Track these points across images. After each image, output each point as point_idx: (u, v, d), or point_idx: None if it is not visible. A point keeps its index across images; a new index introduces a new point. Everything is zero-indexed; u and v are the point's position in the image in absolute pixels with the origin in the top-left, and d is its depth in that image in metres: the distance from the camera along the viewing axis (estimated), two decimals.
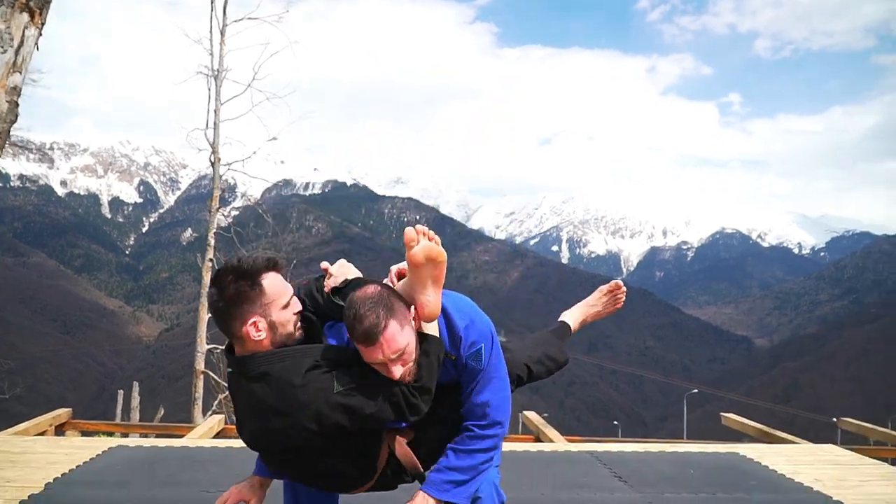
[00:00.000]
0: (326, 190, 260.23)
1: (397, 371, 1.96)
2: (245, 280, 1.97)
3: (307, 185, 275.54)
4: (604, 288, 2.79)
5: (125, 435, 7.33)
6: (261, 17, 13.93)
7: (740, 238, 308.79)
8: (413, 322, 2.02)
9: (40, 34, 8.86)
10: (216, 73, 13.93)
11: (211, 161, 14.75)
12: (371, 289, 1.98)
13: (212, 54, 13.69)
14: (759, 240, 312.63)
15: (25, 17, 8.61)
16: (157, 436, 6.63)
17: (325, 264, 2.21)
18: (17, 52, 8.26)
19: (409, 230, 1.99)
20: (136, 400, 18.07)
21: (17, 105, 8.42)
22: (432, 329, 2.07)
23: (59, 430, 6.32)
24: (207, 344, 15.60)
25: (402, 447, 2.14)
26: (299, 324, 2.08)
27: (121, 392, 18.17)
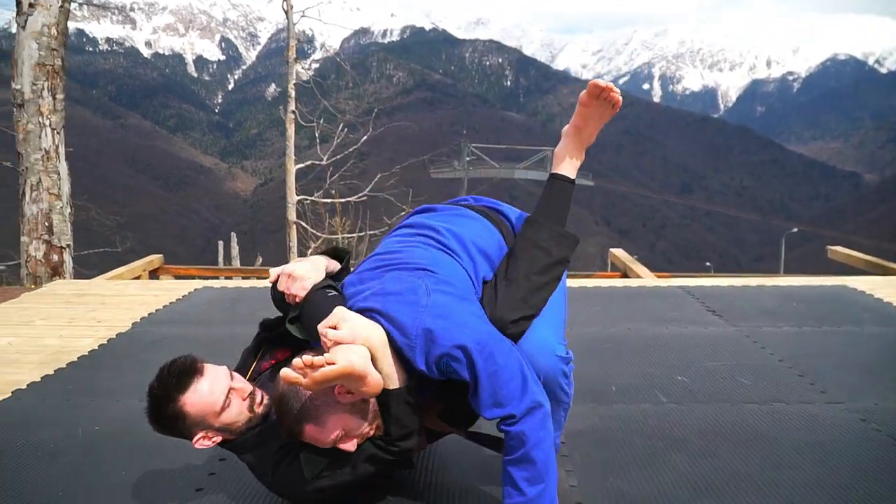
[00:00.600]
0: (405, 36, 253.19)
1: (349, 447, 1.70)
2: (164, 410, 1.76)
3: (385, 32, 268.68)
4: (583, 98, 1.95)
5: (228, 279, 7.60)
6: None
7: (854, 65, 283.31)
8: (351, 396, 1.67)
9: None
10: None
11: (284, 9, 14.32)
12: (280, 388, 1.68)
13: None
14: (876, 66, 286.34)
15: None
16: (244, 278, 6.81)
17: (272, 275, 1.92)
18: None
19: (286, 375, 1.56)
20: (235, 249, 18.94)
21: None
22: (391, 377, 1.71)
23: (153, 274, 6.56)
24: (297, 195, 15.99)
25: (435, 423, 1.95)
26: (258, 395, 1.85)
27: (220, 243, 19.06)
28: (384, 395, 1.69)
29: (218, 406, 1.77)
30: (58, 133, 8.24)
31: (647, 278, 5.71)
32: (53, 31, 8.00)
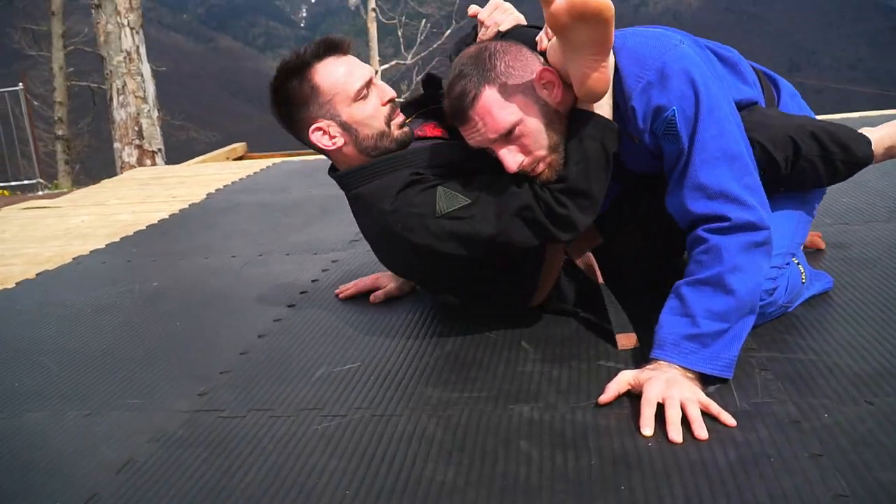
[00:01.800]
0: None
1: (511, 160, 1.33)
2: (292, 79, 1.47)
3: None
4: None
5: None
6: None
7: None
8: (549, 91, 1.34)
9: None
10: None
11: None
12: (473, 48, 1.39)
13: None
14: None
15: None
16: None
17: (473, 9, 1.53)
18: None
19: None
20: None
21: None
22: (603, 107, 1.37)
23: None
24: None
25: (584, 257, 1.52)
26: (399, 118, 1.52)
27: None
28: (585, 118, 1.35)
29: (352, 89, 1.46)
30: (137, 33, 8.06)
31: None
32: None
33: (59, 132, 14.20)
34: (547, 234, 1.37)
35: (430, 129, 1.62)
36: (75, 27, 14.89)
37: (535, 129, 1.33)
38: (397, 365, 1.47)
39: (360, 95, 1.47)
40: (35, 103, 14.83)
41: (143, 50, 8.16)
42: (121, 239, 2.91)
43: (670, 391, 1.18)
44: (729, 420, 1.13)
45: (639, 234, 1.56)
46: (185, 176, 4.56)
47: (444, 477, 1.08)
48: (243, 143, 6.57)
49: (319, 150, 1.53)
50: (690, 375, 1.23)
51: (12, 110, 6.28)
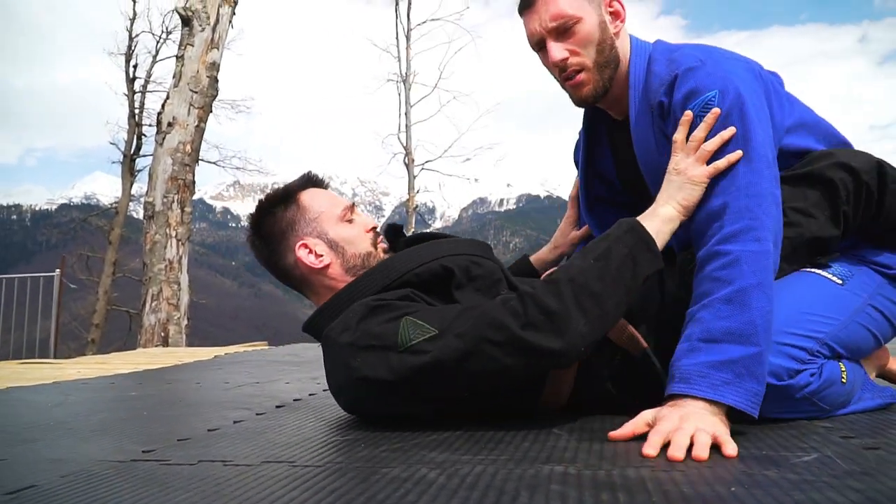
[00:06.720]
0: (521, 204, 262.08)
1: (557, 51, 1.34)
2: (278, 206, 1.45)
3: (501, 201, 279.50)
4: None
5: None
6: (443, 16, 14.06)
7: None
8: (612, 20, 1.38)
9: (233, 13, 8.97)
10: (404, 77, 14.11)
11: (405, 163, 14.84)
12: None
13: (399, 59, 14.05)
14: None
15: None
16: None
17: None
18: (213, 30, 8.52)
19: None
20: None
21: (216, 80, 8.62)
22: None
23: None
24: None
25: (621, 329, 1.28)
26: (384, 243, 1.49)
27: None
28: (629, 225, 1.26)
29: (338, 210, 1.45)
30: (182, 244, 8.32)
31: None
32: (188, 147, 8.32)
33: (90, 354, 14.45)
34: (531, 350, 1.09)
35: None
36: (124, 259, 15.50)
37: (589, 33, 1.34)
38: (392, 427, 1.17)
39: (345, 217, 1.45)
40: (73, 323, 15.12)
41: (185, 260, 8.37)
42: (113, 374, 2.69)
43: (685, 423, 1.01)
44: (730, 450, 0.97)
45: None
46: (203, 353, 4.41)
47: None
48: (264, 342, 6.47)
49: (298, 280, 1.44)
50: (715, 410, 1.05)
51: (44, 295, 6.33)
